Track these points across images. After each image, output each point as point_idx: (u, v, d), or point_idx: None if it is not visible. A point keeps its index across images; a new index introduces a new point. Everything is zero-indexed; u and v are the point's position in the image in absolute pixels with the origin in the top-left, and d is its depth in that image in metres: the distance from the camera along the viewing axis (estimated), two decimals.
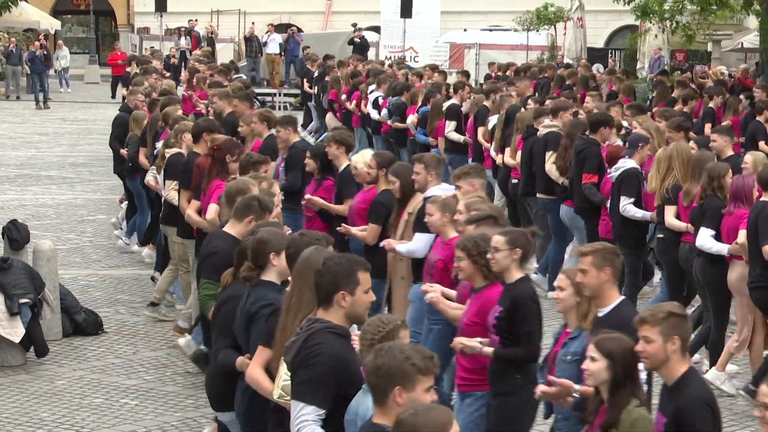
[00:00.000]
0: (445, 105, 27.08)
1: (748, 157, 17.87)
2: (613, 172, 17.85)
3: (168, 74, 41.47)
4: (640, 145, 17.78)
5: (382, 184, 15.82)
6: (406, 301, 14.62)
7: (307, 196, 17.31)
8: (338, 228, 15.96)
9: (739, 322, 15.59)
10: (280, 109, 51.38)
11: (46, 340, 17.11)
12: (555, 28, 52.58)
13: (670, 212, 16.47)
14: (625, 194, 17.34)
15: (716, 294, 15.44)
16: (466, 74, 41.35)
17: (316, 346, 8.47)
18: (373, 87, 33.97)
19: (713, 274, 15.28)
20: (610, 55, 58.28)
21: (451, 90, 30.76)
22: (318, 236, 10.69)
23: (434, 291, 12.21)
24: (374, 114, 31.33)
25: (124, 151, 22.73)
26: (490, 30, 61.51)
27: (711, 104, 29.01)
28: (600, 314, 9.96)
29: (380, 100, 32.03)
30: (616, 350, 8.91)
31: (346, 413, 8.08)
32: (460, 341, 10.97)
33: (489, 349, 10.83)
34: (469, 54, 55.63)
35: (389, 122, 30.02)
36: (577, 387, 9.63)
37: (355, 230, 15.71)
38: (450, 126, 25.81)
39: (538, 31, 54.14)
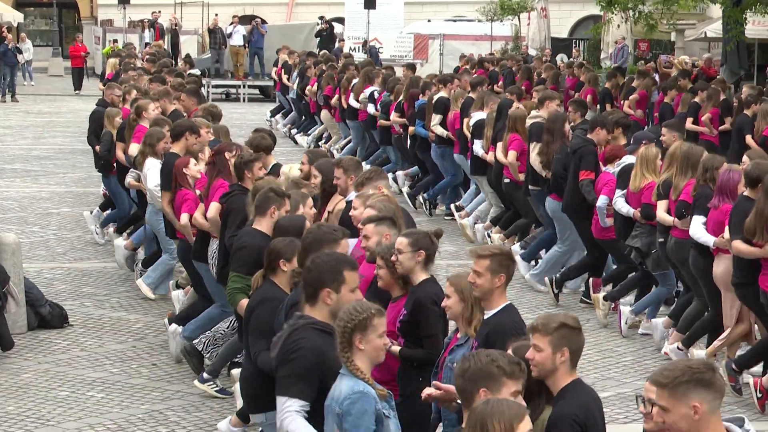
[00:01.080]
0: (435, 97, 26.96)
1: (746, 158, 17.90)
2: (615, 168, 18.16)
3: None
4: (643, 142, 17.93)
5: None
6: None
7: None
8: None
9: (726, 320, 15.75)
10: (244, 100, 51.23)
11: (12, 334, 17.09)
12: (519, 19, 52.98)
13: (661, 207, 16.66)
14: (620, 187, 17.53)
15: (708, 285, 15.61)
16: (412, 67, 41.08)
17: (297, 341, 8.65)
18: (355, 81, 33.83)
19: (703, 265, 15.54)
20: (573, 46, 58.89)
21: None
22: (335, 228, 11.09)
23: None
24: (371, 108, 31.55)
25: (98, 148, 22.77)
26: (454, 21, 61.76)
27: (666, 99, 30.14)
28: (485, 317, 10.01)
29: (376, 95, 32.07)
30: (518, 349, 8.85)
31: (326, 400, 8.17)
32: None
33: (395, 348, 10.84)
34: (433, 45, 55.57)
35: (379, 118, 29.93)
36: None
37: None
38: (435, 119, 25.80)
39: (501, 21, 54.26)
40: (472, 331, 10.04)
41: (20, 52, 56.45)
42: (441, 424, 10.46)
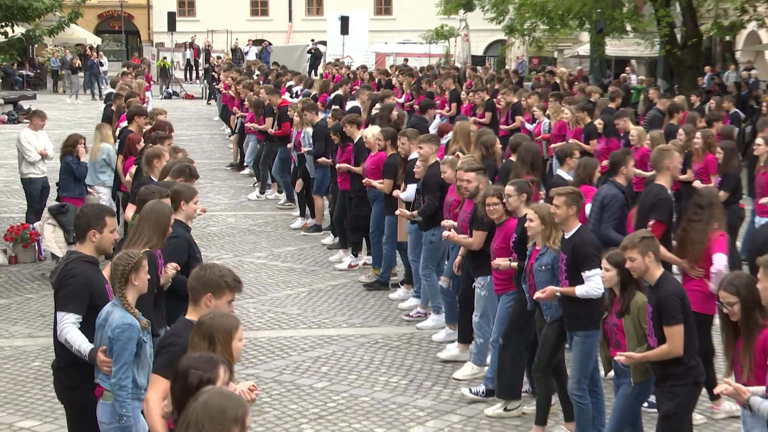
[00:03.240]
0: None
1: (633, 132, 17.57)
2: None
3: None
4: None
5: (389, 150, 15.77)
6: (405, 229, 15.00)
7: (339, 165, 17.37)
8: (363, 181, 16.11)
9: None
10: None
11: None
12: (449, 41, 52.51)
13: None
14: None
15: None
16: (364, 67, 40.85)
17: (71, 270, 8.21)
18: (291, 83, 33.06)
19: None
20: (487, 60, 57.84)
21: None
22: (154, 189, 10.42)
23: (448, 229, 12.48)
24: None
25: None
26: (404, 43, 60.18)
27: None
28: (566, 236, 9.87)
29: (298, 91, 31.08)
30: (620, 261, 8.91)
31: (97, 318, 7.88)
32: (495, 262, 11.01)
33: (515, 264, 10.78)
34: (389, 60, 54.69)
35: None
36: (557, 289, 9.87)
37: (375, 183, 15.66)
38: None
39: (437, 43, 53.90)
40: (551, 244, 10.06)
41: (102, 65, 55.90)
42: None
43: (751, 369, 7.34)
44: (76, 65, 54.38)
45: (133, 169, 15.44)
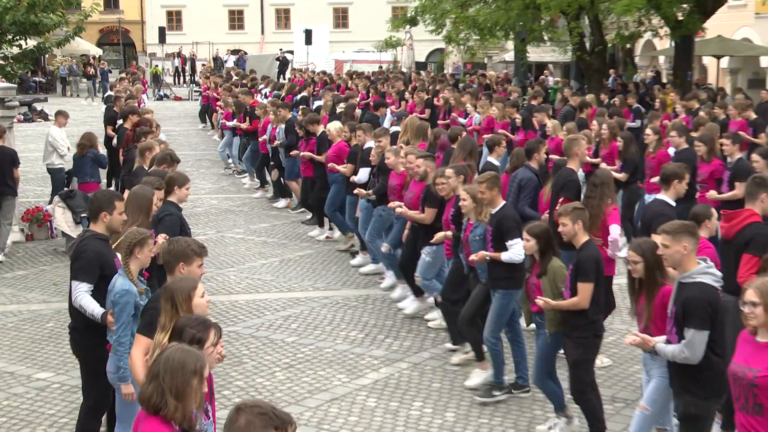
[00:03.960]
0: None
1: (549, 124, 17.56)
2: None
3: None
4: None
5: (353, 140, 15.85)
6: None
7: (302, 153, 17.40)
8: (328, 165, 16.01)
9: None
10: None
11: None
12: (396, 50, 49.10)
13: None
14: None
15: None
16: (324, 72, 40.88)
17: (84, 245, 8.20)
18: (264, 87, 32.73)
19: None
20: (428, 66, 56.93)
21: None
22: (150, 180, 10.13)
23: (400, 206, 12.26)
24: None
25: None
26: (358, 51, 59.41)
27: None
28: (493, 212, 9.77)
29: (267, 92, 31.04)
30: (538, 232, 8.90)
31: (109, 287, 7.78)
32: (438, 236, 11.16)
33: (450, 233, 10.99)
34: (346, 66, 53.35)
35: None
36: (487, 254, 9.73)
37: (339, 167, 15.51)
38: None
39: (386, 51, 50.01)
40: (482, 218, 9.97)
41: (110, 72, 54.52)
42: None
43: (651, 319, 7.36)
44: (90, 73, 53.60)
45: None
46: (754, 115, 20.17)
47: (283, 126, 19.54)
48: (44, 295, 13.93)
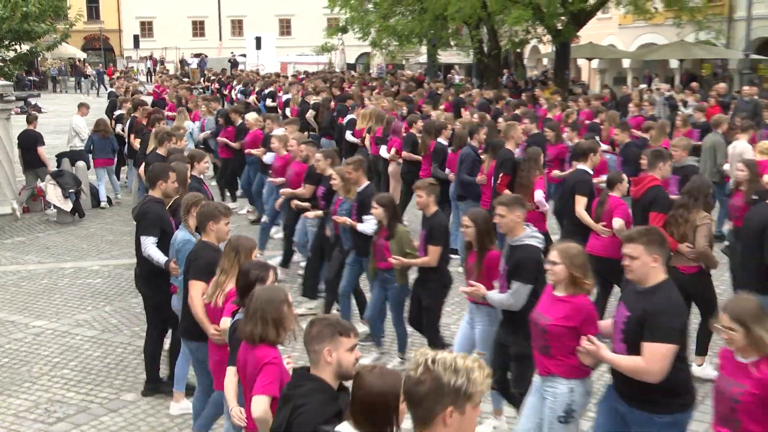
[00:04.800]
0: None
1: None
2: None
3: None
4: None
5: (266, 128, 15.06)
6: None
7: (219, 138, 16.54)
8: (245, 151, 15.31)
9: None
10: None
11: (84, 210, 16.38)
12: (331, 53, 47.44)
13: None
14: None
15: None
16: (278, 74, 40.20)
17: (147, 207, 8.15)
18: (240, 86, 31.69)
19: None
20: (357, 68, 56.04)
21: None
22: (179, 157, 10.16)
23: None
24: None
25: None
26: (300, 55, 56.41)
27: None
28: (358, 191, 9.44)
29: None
30: (386, 202, 8.58)
31: (171, 240, 7.76)
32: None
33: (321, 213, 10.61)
34: (289, 67, 51.45)
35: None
36: (348, 220, 9.42)
37: (254, 151, 14.79)
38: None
39: (323, 54, 47.40)
40: (349, 196, 9.58)
41: (105, 73, 54.80)
42: None
43: (481, 275, 7.28)
44: (87, 73, 52.73)
45: (136, 141, 15.73)
46: (601, 106, 19.78)
47: (211, 117, 18.32)
48: (39, 257, 13.63)
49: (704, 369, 8.58)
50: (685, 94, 24.98)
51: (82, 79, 54.86)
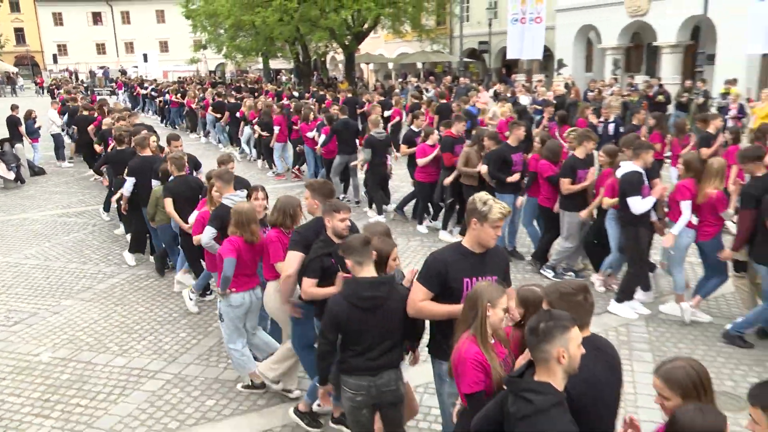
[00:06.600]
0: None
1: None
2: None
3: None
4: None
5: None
6: None
7: (89, 128, 13.50)
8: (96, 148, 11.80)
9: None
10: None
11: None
12: (197, 64, 39.55)
13: None
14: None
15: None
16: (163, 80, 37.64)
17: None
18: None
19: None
20: (216, 72, 51.16)
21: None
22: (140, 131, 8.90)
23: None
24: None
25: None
26: (176, 65, 52.03)
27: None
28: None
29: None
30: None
31: None
32: None
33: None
34: (169, 74, 45.64)
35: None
36: None
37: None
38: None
39: (192, 65, 44.84)
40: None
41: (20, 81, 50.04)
42: None
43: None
44: (38, 81, 46.54)
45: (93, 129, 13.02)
46: (381, 98, 18.14)
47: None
48: None
49: None
50: (427, 83, 25.03)
51: (16, 86, 49.38)
